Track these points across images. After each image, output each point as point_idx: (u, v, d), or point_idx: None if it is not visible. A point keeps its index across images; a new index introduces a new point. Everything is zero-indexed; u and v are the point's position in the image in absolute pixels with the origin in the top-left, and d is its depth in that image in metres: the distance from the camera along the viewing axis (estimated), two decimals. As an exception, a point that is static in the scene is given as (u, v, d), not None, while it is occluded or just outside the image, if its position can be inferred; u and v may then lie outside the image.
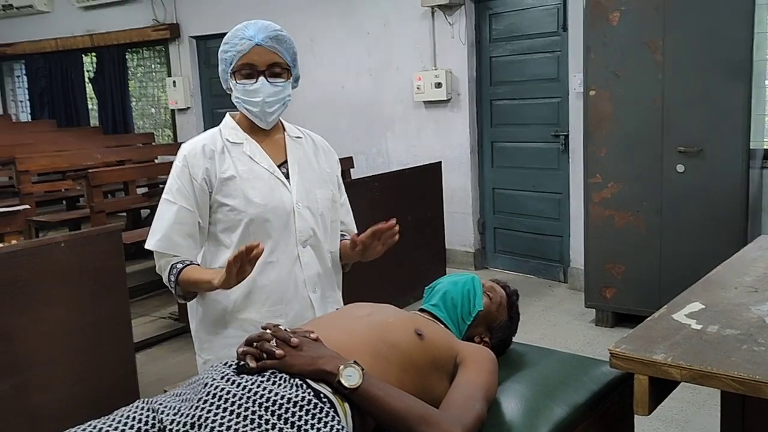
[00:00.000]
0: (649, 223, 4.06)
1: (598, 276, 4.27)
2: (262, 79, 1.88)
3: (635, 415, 1.82)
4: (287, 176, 1.96)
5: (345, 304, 2.03)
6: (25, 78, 9.59)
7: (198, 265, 1.91)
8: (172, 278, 1.88)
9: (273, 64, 1.89)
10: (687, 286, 1.93)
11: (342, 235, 2.13)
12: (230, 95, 1.97)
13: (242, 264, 1.67)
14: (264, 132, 1.99)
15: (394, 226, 1.88)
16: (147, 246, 1.91)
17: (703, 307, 1.75)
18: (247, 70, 1.88)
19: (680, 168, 3.92)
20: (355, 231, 2.17)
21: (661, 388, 1.53)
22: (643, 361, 1.48)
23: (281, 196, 1.92)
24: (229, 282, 1.71)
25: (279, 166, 1.96)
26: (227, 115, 2.04)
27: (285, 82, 1.93)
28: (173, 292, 1.92)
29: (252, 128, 1.98)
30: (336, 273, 2.11)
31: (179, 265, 1.87)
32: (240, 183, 1.89)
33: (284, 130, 2.04)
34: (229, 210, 1.89)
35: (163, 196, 1.93)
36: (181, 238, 1.89)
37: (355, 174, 5.90)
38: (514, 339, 2.04)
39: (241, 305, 1.93)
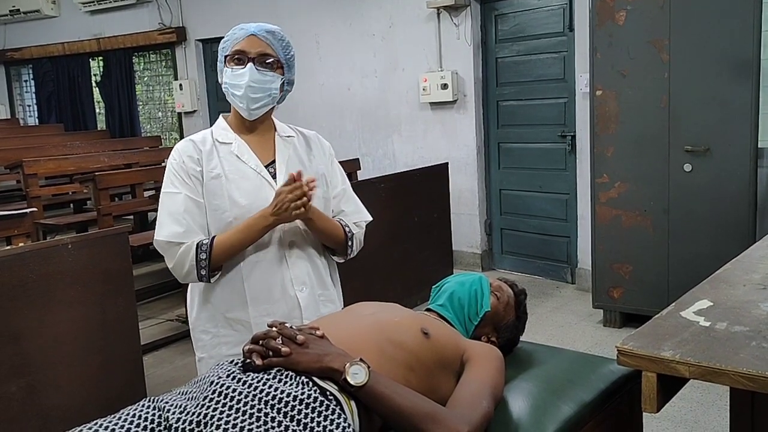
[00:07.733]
0: (657, 223, 4.04)
1: (606, 276, 4.26)
2: (250, 65, 1.92)
3: (644, 414, 1.82)
4: (275, 176, 1.97)
5: (351, 304, 2.03)
6: (32, 82, 9.62)
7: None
8: (203, 255, 1.84)
9: (264, 54, 1.94)
10: (695, 286, 1.92)
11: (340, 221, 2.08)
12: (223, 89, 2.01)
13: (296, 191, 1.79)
14: (254, 131, 2.01)
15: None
16: (158, 238, 1.87)
17: (712, 304, 1.74)
18: (239, 56, 1.94)
19: (687, 167, 3.91)
20: (364, 219, 2.14)
21: (670, 385, 1.52)
22: (651, 357, 1.46)
23: (267, 196, 1.92)
24: (280, 213, 1.82)
25: (267, 166, 1.98)
26: (220, 116, 2.08)
27: (274, 74, 1.95)
28: (200, 274, 1.86)
29: (242, 128, 2.01)
30: (331, 270, 2.11)
31: (206, 240, 1.86)
32: (225, 183, 1.91)
33: (275, 129, 2.06)
34: (214, 209, 1.91)
35: (163, 190, 1.93)
36: (195, 226, 1.88)
37: (362, 176, 5.90)
38: (522, 339, 2.03)
39: (229, 305, 1.94)
